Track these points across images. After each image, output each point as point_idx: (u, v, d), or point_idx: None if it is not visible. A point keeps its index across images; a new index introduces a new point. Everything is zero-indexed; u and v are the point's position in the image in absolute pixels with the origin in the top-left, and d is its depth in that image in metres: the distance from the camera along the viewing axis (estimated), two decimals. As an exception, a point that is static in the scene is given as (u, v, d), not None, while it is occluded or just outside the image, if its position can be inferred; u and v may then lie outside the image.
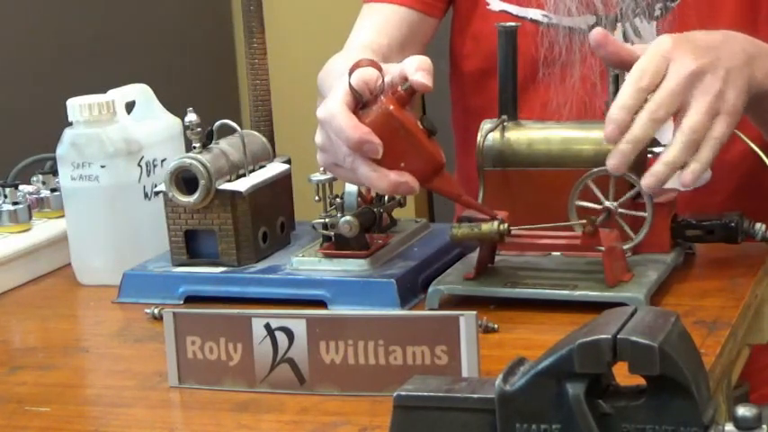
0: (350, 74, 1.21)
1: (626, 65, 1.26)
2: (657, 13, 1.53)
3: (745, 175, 1.56)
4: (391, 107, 1.20)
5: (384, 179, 1.21)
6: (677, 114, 1.23)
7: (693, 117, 1.22)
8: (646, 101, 1.22)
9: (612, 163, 1.22)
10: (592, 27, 1.51)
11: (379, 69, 1.22)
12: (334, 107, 1.21)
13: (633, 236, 1.29)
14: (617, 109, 1.21)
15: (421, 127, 1.21)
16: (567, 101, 1.55)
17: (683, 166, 1.24)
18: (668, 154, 1.22)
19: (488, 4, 1.59)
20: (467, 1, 1.61)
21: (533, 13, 1.56)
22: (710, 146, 1.23)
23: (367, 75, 1.22)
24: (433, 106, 3.40)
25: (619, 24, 1.53)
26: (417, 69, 1.21)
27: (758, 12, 1.53)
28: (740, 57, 1.27)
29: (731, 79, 1.25)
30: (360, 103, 1.22)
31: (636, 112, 1.22)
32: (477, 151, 1.33)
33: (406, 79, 1.21)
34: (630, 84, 1.22)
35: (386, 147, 1.20)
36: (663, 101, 1.22)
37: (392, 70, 1.23)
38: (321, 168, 1.38)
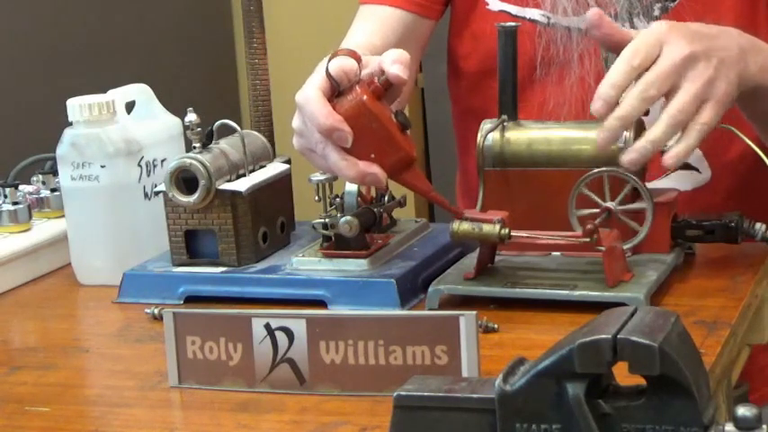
0: (329, 61, 1.22)
1: (620, 47, 1.26)
2: (656, 12, 1.53)
3: (744, 175, 1.56)
4: (365, 97, 1.22)
5: (353, 168, 1.23)
6: (667, 97, 1.23)
7: (681, 99, 1.23)
8: (636, 81, 1.23)
9: (600, 136, 1.22)
10: None
11: (358, 60, 1.23)
12: (309, 92, 1.24)
13: (639, 228, 1.28)
14: (606, 86, 1.21)
15: (394, 120, 1.23)
16: (564, 101, 1.55)
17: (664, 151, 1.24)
18: (652, 132, 1.22)
19: (487, 4, 1.59)
20: (465, 1, 1.61)
21: (532, 13, 1.56)
22: (696, 131, 1.23)
23: (346, 63, 1.23)
24: (433, 106, 3.41)
25: (617, 25, 1.53)
26: (394, 62, 1.22)
27: (757, 11, 1.53)
28: (734, 49, 1.27)
29: (723, 68, 1.25)
30: (336, 91, 1.24)
31: (625, 91, 1.22)
32: (477, 151, 1.33)
33: (383, 72, 1.23)
34: (622, 62, 1.23)
35: (357, 136, 1.22)
36: (654, 80, 1.22)
37: (372, 62, 1.24)
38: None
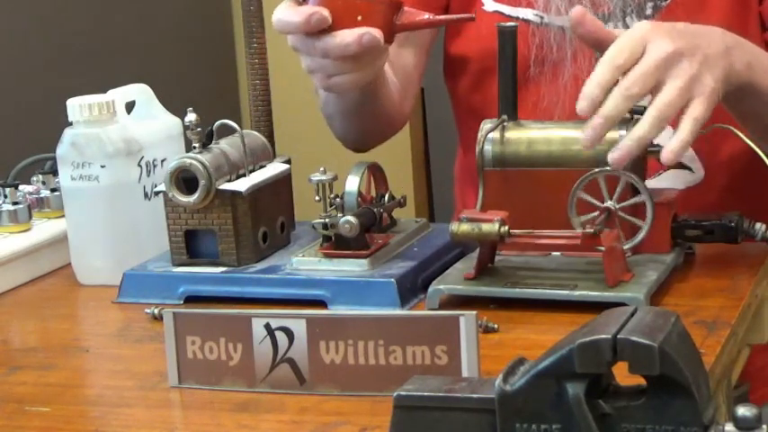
0: None
1: (603, 45, 1.27)
2: (649, 11, 1.54)
3: (738, 174, 1.56)
4: None
5: (347, 37, 1.27)
6: (652, 95, 1.24)
7: (666, 95, 1.23)
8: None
9: (585, 136, 1.22)
10: None
11: None
12: (276, 13, 1.30)
13: (641, 224, 1.28)
14: (591, 85, 1.22)
15: None
16: (558, 99, 1.56)
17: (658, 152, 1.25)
18: (637, 129, 1.22)
19: (483, 5, 1.60)
20: (462, 3, 1.62)
21: (525, 13, 1.57)
22: (689, 124, 1.23)
23: None
24: (433, 106, 3.41)
25: (610, 23, 1.54)
26: None
27: (748, 9, 1.54)
28: (718, 46, 1.27)
29: (709, 64, 1.25)
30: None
31: (610, 90, 1.22)
32: (477, 151, 1.33)
33: None
34: (606, 61, 1.23)
35: (338, 12, 1.28)
36: (637, 78, 1.22)
37: None
38: (321, 168, 1.38)
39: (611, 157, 1.22)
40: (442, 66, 1.70)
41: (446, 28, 1.66)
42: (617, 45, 1.24)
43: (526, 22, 1.56)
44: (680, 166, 1.32)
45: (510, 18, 1.57)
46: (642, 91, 1.22)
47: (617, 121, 1.22)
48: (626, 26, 1.53)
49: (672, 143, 1.23)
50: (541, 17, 1.56)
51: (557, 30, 1.55)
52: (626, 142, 1.22)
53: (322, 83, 1.35)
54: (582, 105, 1.21)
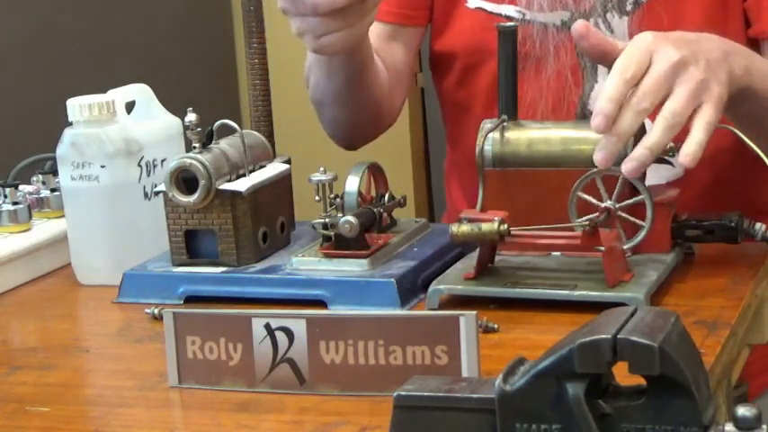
0: None
1: (607, 58, 1.27)
2: (629, 8, 1.55)
3: (718, 171, 1.57)
4: None
5: None
6: (661, 104, 1.24)
7: (675, 101, 1.23)
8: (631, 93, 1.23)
9: (599, 156, 1.22)
10: (565, 22, 1.54)
11: None
12: None
13: (642, 223, 1.28)
14: (605, 101, 1.22)
15: None
16: (541, 95, 1.57)
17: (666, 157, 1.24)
18: (649, 138, 1.23)
19: (466, 2, 1.61)
20: (447, 1, 1.63)
21: (507, 10, 1.58)
22: (703, 128, 1.23)
23: None
24: (433, 106, 3.41)
25: (591, 20, 1.54)
26: None
27: (728, 7, 1.55)
28: (717, 52, 1.28)
29: (712, 70, 1.26)
30: None
31: (622, 104, 1.23)
32: (476, 152, 1.33)
33: None
34: (616, 76, 1.23)
35: None
36: (648, 91, 1.23)
37: None
38: (321, 168, 1.38)
39: (625, 168, 1.22)
40: (428, 63, 1.70)
41: (432, 27, 1.67)
42: (624, 58, 1.24)
43: (509, 18, 1.57)
44: (660, 160, 1.32)
45: (492, 15, 1.58)
46: (653, 104, 1.23)
47: (630, 137, 1.23)
48: (606, 22, 1.54)
49: (689, 146, 1.23)
50: (523, 14, 1.57)
51: (539, 26, 1.56)
52: (639, 151, 1.22)
53: (312, 44, 1.36)
54: (598, 122, 1.21)
